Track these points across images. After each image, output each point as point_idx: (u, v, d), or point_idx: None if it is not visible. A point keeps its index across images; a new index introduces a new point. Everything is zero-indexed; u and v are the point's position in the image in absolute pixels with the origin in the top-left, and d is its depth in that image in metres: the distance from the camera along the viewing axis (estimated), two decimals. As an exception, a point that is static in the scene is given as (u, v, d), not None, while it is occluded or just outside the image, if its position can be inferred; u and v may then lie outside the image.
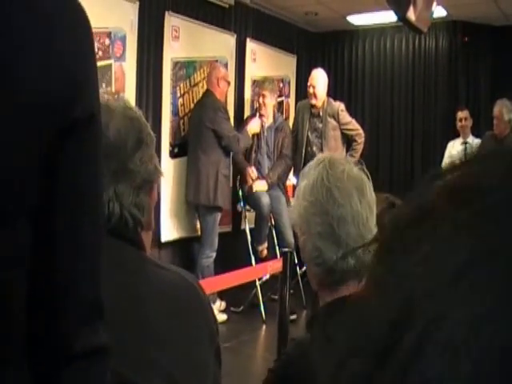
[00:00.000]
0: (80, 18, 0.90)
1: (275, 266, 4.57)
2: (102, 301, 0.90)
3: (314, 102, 6.40)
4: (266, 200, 6.10)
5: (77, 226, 0.90)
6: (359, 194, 1.48)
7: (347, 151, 6.45)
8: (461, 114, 6.97)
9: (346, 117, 6.47)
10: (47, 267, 0.87)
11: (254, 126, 6.20)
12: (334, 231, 1.46)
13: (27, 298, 0.84)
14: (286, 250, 3.87)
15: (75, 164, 0.89)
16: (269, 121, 6.38)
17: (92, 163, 0.93)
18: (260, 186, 6.19)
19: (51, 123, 0.85)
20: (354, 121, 6.54)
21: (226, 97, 6.39)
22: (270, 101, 6.40)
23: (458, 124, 6.99)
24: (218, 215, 5.87)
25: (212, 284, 4.44)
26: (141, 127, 1.33)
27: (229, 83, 6.19)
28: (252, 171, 6.21)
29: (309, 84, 6.46)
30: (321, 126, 6.43)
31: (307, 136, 6.48)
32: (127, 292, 1.23)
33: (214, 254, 5.84)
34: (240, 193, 6.31)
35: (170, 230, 5.96)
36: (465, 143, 6.96)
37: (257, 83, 7.22)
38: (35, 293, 0.86)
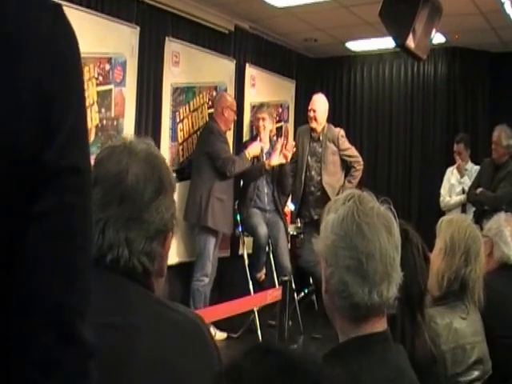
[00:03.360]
0: (59, 45, 0.80)
1: (274, 294, 4.55)
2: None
3: (314, 125, 6.42)
4: (263, 230, 6.03)
5: None
6: (387, 232, 1.49)
7: (345, 177, 6.45)
8: (456, 148, 6.94)
9: (345, 143, 6.48)
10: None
11: (254, 149, 6.13)
12: (362, 266, 1.46)
13: None
14: (286, 278, 3.84)
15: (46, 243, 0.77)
16: (266, 146, 6.36)
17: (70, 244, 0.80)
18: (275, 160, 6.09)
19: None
20: (353, 148, 6.55)
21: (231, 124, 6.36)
22: (268, 125, 6.40)
23: (455, 156, 6.97)
24: (211, 238, 5.83)
25: (211, 314, 4.39)
26: (162, 176, 1.30)
27: (235, 112, 6.19)
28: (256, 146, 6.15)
29: (309, 108, 6.47)
30: (320, 150, 6.43)
31: (307, 160, 6.48)
32: (119, 333, 1.16)
33: (206, 279, 5.78)
34: (238, 217, 6.28)
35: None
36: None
37: (255, 108, 7.24)
38: None
